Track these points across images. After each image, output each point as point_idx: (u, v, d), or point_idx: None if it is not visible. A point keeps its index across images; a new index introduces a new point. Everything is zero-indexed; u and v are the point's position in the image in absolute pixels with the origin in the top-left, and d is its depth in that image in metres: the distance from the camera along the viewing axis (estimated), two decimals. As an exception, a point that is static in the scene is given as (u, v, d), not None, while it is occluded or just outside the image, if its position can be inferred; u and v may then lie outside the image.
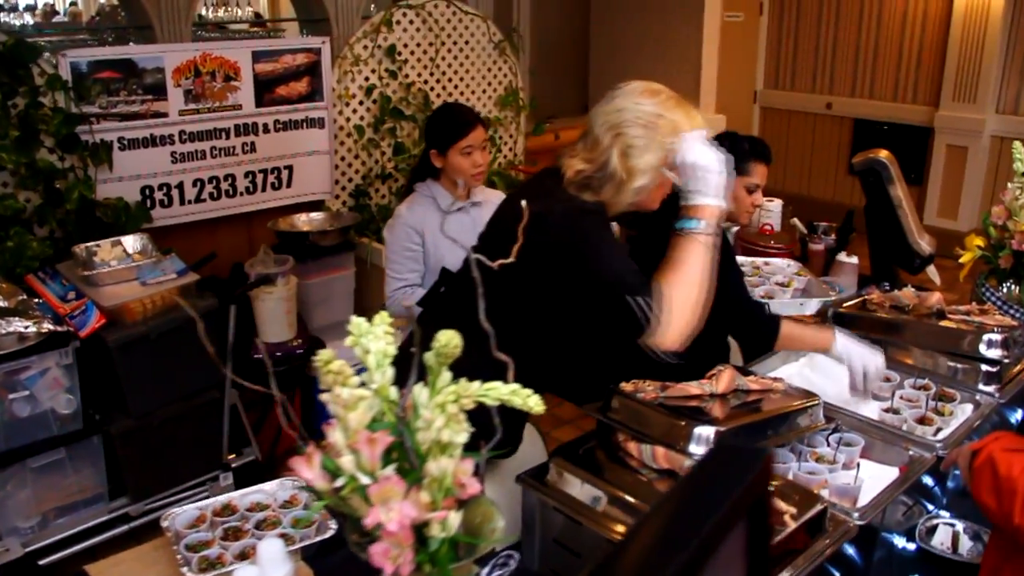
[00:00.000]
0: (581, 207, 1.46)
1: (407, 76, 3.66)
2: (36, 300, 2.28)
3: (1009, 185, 2.26)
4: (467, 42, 3.83)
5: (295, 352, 2.76)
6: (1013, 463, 1.26)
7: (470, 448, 0.86)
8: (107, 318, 2.25)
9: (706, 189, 1.41)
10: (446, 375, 0.83)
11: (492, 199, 2.25)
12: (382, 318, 0.84)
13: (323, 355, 0.77)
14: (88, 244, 2.48)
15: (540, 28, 5.48)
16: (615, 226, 1.50)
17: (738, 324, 1.99)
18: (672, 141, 1.43)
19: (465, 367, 0.87)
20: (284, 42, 3.73)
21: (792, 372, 1.97)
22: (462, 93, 3.87)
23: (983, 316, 2.01)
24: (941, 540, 1.60)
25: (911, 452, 1.63)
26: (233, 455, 2.62)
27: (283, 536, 1.34)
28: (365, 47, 3.52)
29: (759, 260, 2.59)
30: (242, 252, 3.09)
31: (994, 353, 1.89)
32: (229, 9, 5.77)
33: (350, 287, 3.30)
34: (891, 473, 1.60)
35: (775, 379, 1.67)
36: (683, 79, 4.99)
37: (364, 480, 0.76)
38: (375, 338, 0.83)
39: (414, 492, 0.76)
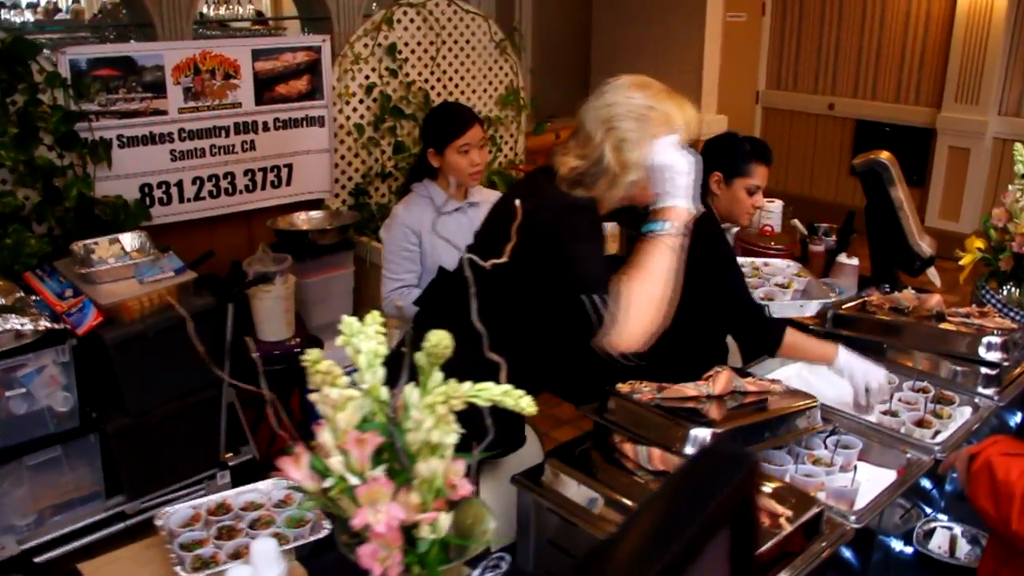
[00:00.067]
0: (571, 204, 1.45)
1: (407, 75, 3.65)
2: (34, 297, 2.27)
3: (1010, 187, 2.25)
4: (468, 41, 3.83)
5: (293, 351, 2.75)
6: (1011, 467, 1.25)
7: (465, 449, 0.85)
8: (104, 316, 2.25)
9: (673, 191, 1.40)
10: (437, 375, 0.82)
11: (489, 199, 2.24)
12: (373, 318, 0.84)
13: (311, 355, 0.76)
14: (86, 242, 2.48)
15: (542, 27, 5.47)
16: (612, 226, 1.49)
17: (738, 325, 1.98)
18: (664, 133, 1.43)
19: (461, 367, 0.86)
20: (284, 40, 3.72)
21: (790, 374, 1.96)
22: (463, 92, 3.86)
23: (983, 319, 2.00)
24: (939, 544, 1.60)
25: (909, 455, 1.62)
26: (230, 454, 2.61)
27: (277, 535, 1.34)
28: (366, 45, 3.51)
29: (759, 261, 2.58)
30: (241, 250, 3.09)
31: (993, 356, 1.88)
32: (231, 7, 5.76)
33: (349, 286, 3.30)
34: (889, 476, 1.60)
35: (773, 381, 1.66)
36: (685, 79, 4.98)
37: (353, 481, 0.75)
38: (366, 338, 0.82)
39: (403, 493, 0.75)
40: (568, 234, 1.41)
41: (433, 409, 0.76)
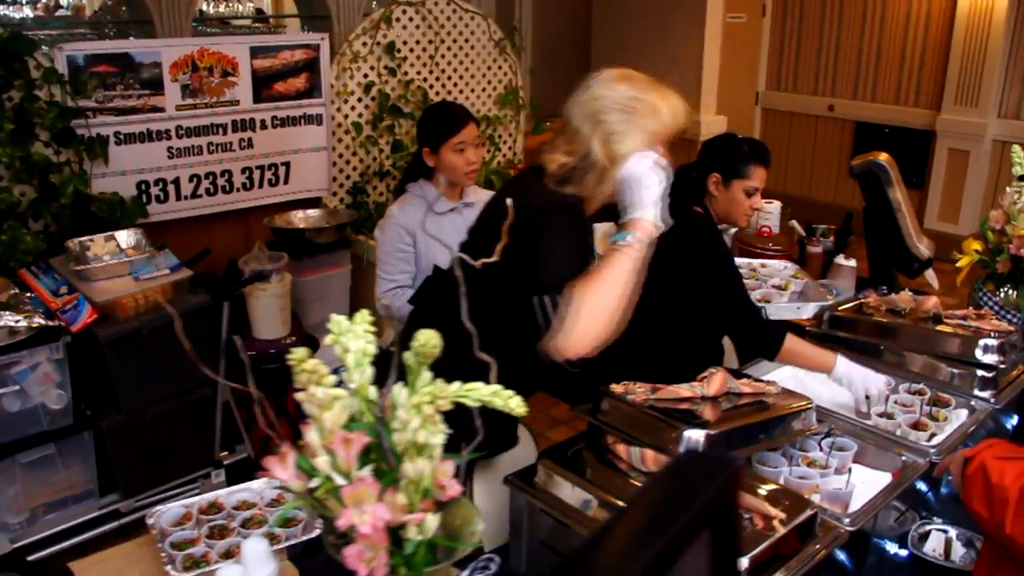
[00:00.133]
0: (553, 203, 1.44)
1: (406, 73, 3.65)
2: (28, 294, 2.26)
3: (1008, 189, 2.25)
4: (467, 40, 3.82)
5: (288, 350, 2.75)
6: (1006, 471, 1.24)
7: (455, 449, 0.85)
8: (99, 313, 2.24)
9: (640, 203, 1.39)
10: (426, 375, 0.81)
11: (484, 199, 2.23)
12: (362, 317, 0.83)
13: (297, 354, 0.76)
14: (81, 239, 2.47)
15: (542, 27, 5.47)
16: (609, 226, 1.48)
17: (736, 327, 1.97)
18: (652, 123, 1.42)
19: (453, 367, 0.86)
20: (282, 38, 3.71)
21: (786, 375, 1.95)
22: (461, 91, 3.85)
23: (980, 321, 1.99)
24: (933, 547, 1.59)
25: (904, 457, 1.62)
26: (225, 452, 2.61)
27: (269, 535, 1.33)
28: (364, 44, 3.51)
29: (756, 262, 2.57)
30: (238, 248, 3.08)
31: (990, 358, 1.87)
32: (230, 5, 5.76)
33: (346, 284, 3.29)
34: (884, 478, 1.59)
35: (768, 382, 1.65)
36: (685, 80, 4.97)
37: (339, 481, 0.74)
38: (354, 337, 0.82)
39: (390, 494, 0.74)
40: (541, 233, 1.39)
41: (419, 409, 0.75)
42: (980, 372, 1.86)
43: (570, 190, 1.46)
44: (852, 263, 2.56)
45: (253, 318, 2.73)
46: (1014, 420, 1.95)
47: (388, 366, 0.85)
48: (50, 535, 2.26)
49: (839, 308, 2.13)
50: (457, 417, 0.85)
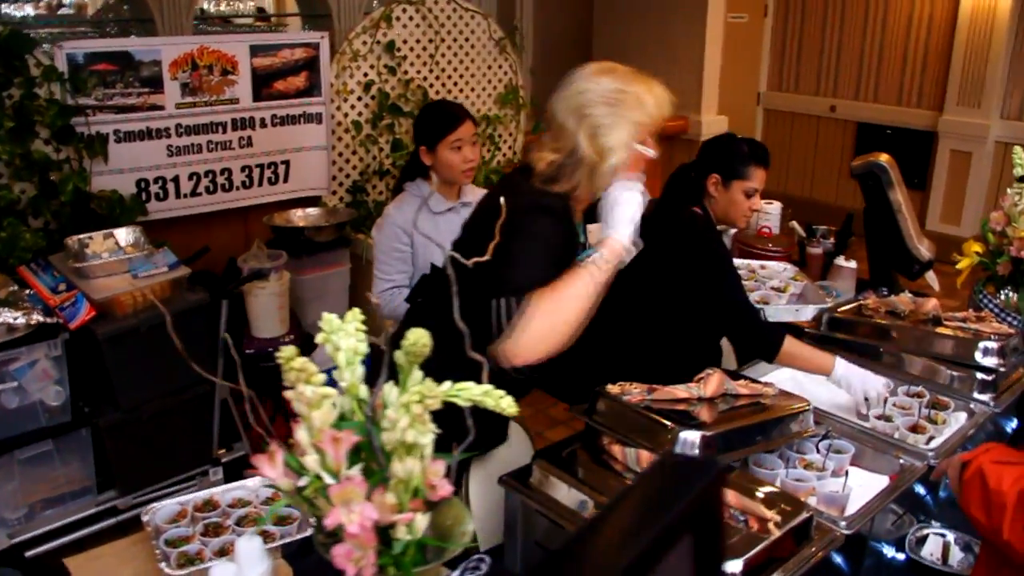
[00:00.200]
0: (535, 204, 1.43)
1: (406, 72, 3.65)
2: (27, 291, 2.26)
3: (1008, 191, 2.24)
4: (467, 39, 3.82)
5: (288, 348, 2.75)
6: (1003, 476, 1.23)
7: (446, 448, 0.84)
8: (97, 310, 2.24)
9: (613, 223, 1.40)
10: (417, 374, 0.81)
11: (481, 199, 2.23)
12: (353, 315, 0.83)
13: (285, 352, 0.75)
14: (80, 236, 2.47)
15: (542, 27, 5.46)
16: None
17: (734, 329, 1.97)
18: (638, 114, 1.42)
19: (447, 366, 0.85)
20: (282, 36, 3.71)
21: (784, 377, 1.95)
22: (461, 90, 3.85)
23: (980, 323, 1.99)
24: (931, 551, 1.58)
25: (902, 460, 1.61)
26: (223, 450, 2.61)
27: (264, 533, 1.33)
28: (364, 43, 3.50)
29: (755, 263, 2.56)
30: (238, 247, 3.08)
31: (990, 361, 1.86)
32: (231, 3, 5.76)
33: (345, 283, 3.29)
34: (881, 481, 1.58)
35: (766, 384, 1.65)
36: (686, 80, 4.96)
37: (328, 480, 0.74)
38: (346, 335, 0.81)
39: (379, 493, 0.74)
40: (516, 232, 1.38)
41: (408, 408, 0.75)
42: (979, 375, 1.86)
43: (560, 188, 1.45)
44: (852, 264, 2.55)
45: (252, 316, 2.73)
46: (1014, 424, 1.94)
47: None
48: (48, 531, 2.26)
49: (838, 310, 2.13)
50: (448, 416, 0.85)
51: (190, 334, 2.31)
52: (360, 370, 0.81)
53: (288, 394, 0.77)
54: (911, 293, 2.21)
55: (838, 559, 1.42)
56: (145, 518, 1.41)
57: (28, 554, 2.23)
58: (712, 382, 1.54)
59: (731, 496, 1.32)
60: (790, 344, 1.82)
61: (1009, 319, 2.15)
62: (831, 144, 5.51)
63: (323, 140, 3.36)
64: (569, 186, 1.45)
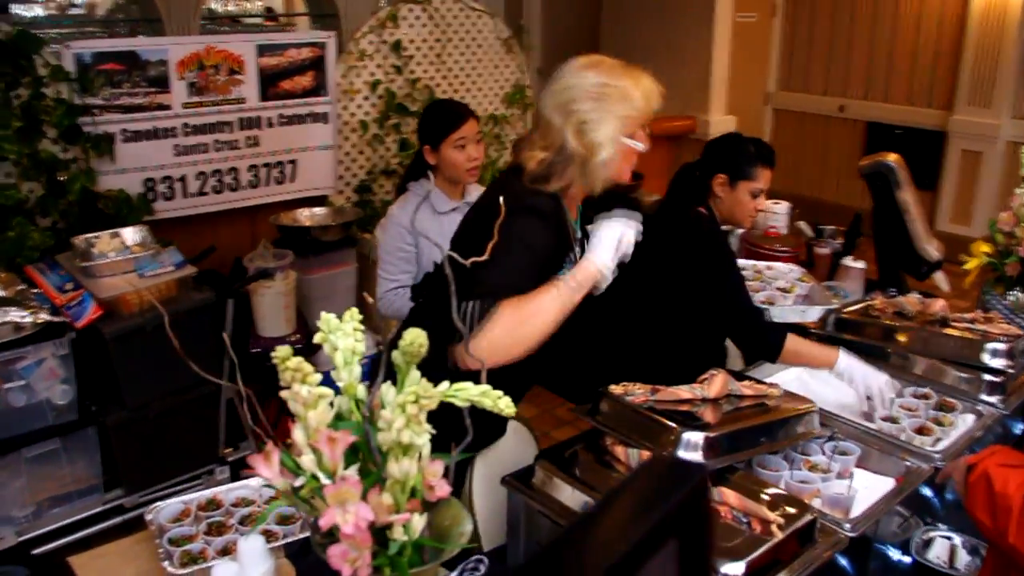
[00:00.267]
0: (525, 204, 1.42)
1: (413, 72, 3.65)
2: (34, 290, 2.28)
3: (1016, 191, 2.21)
4: (474, 38, 3.82)
5: (293, 348, 2.75)
6: (1009, 479, 1.22)
7: (444, 448, 0.84)
8: (104, 309, 2.25)
9: (592, 246, 1.41)
10: (414, 374, 0.81)
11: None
12: (351, 315, 0.83)
13: (281, 352, 0.75)
14: (87, 235, 2.48)
15: (549, 27, 5.46)
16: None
17: (735, 330, 1.95)
18: (624, 108, 1.40)
19: (448, 365, 0.85)
20: (289, 36, 3.72)
21: (790, 378, 1.93)
22: (468, 90, 3.85)
23: (988, 324, 1.97)
24: (937, 554, 1.57)
25: (908, 462, 1.59)
26: (229, 449, 2.62)
27: (266, 532, 1.33)
28: (371, 42, 3.51)
29: (761, 264, 2.54)
30: (244, 246, 3.09)
31: (998, 363, 1.84)
32: (239, 3, 5.79)
33: (352, 283, 3.29)
34: (887, 484, 1.57)
35: (771, 384, 1.63)
36: (694, 79, 4.95)
37: (325, 480, 0.74)
38: (343, 335, 0.81)
39: (375, 493, 0.74)
40: (498, 233, 1.33)
41: (403, 409, 0.74)
42: (987, 376, 1.83)
43: (553, 187, 1.44)
44: (861, 265, 2.53)
45: (258, 316, 2.74)
46: (1022, 426, 1.91)
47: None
48: (55, 529, 2.27)
49: (845, 310, 2.11)
50: (445, 415, 0.84)
51: (196, 333, 2.32)
52: (358, 370, 0.81)
53: (284, 394, 0.77)
54: (920, 294, 2.19)
55: (843, 562, 1.41)
56: (149, 517, 1.42)
57: (35, 552, 2.24)
58: (716, 383, 1.53)
59: (734, 497, 1.32)
60: (792, 342, 1.81)
61: (1018, 320, 2.13)
62: (840, 144, 5.47)
63: (330, 140, 3.36)
64: (562, 184, 1.45)
